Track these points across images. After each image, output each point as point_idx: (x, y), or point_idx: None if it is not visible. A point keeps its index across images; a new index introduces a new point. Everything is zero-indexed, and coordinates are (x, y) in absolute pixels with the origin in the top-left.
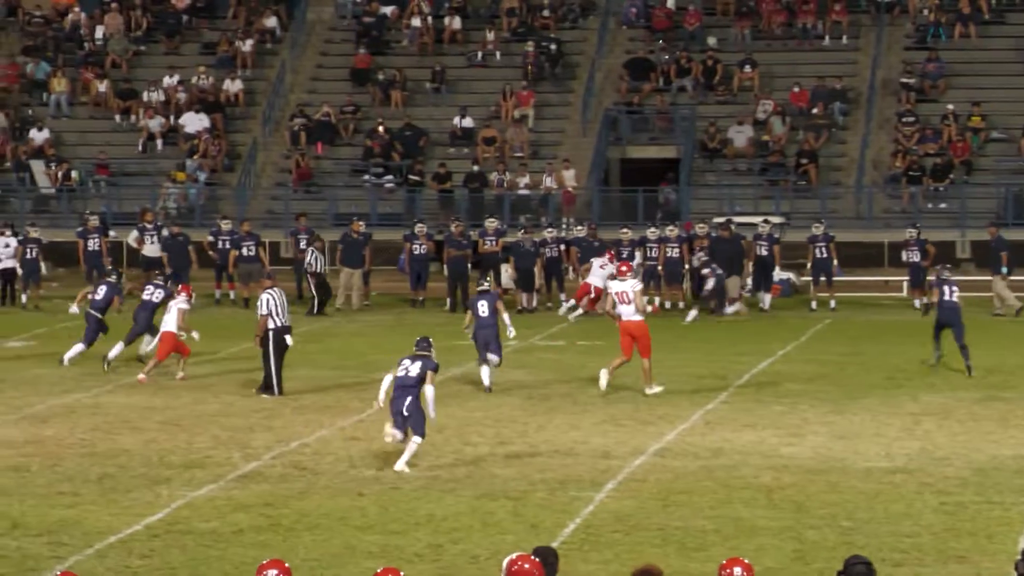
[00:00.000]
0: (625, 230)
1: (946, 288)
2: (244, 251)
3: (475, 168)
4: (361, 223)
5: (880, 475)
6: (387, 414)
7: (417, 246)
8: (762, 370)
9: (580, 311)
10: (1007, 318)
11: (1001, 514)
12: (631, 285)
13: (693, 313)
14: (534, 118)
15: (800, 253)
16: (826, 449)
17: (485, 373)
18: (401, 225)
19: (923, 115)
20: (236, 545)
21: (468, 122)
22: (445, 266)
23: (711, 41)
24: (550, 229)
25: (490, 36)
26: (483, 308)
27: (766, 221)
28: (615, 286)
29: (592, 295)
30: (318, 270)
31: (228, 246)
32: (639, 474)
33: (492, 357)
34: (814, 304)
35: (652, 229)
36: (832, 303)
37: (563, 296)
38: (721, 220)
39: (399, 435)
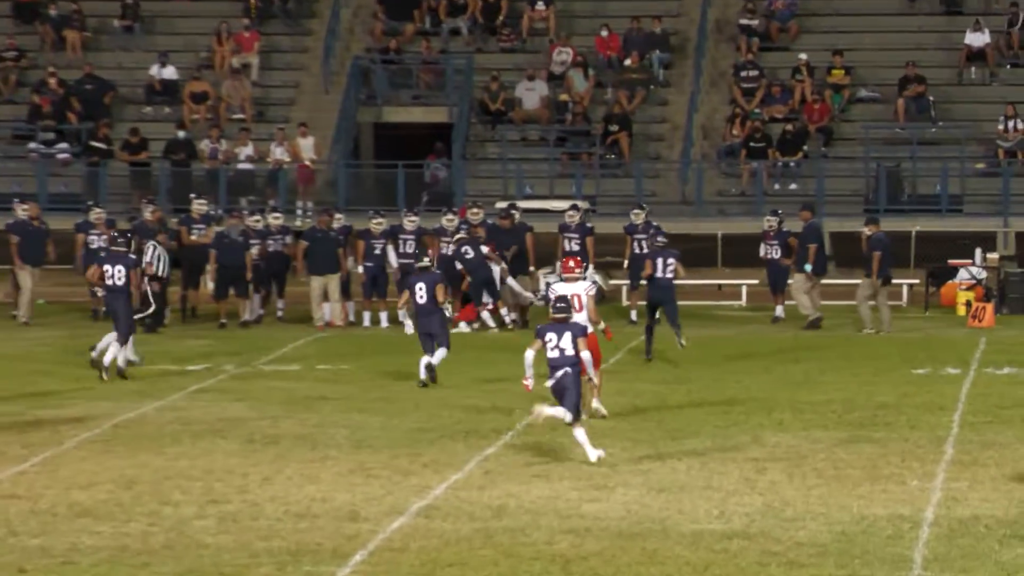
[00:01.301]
0: (379, 219)
1: (659, 261)
2: None
3: (180, 134)
4: (26, 206)
5: (712, 540)
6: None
7: (95, 238)
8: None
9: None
10: (868, 334)
11: None
12: (584, 287)
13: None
14: (259, 68)
15: (606, 248)
16: (642, 506)
17: (425, 362)
18: (80, 209)
19: (769, 67)
20: None
21: (170, 72)
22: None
23: None
24: (276, 214)
25: None
26: (421, 292)
27: (576, 207)
28: (561, 288)
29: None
30: (161, 273)
31: None
32: (397, 541)
33: (439, 352)
34: (634, 315)
35: (410, 217)
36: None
37: (281, 303)
38: (503, 205)
39: (547, 412)
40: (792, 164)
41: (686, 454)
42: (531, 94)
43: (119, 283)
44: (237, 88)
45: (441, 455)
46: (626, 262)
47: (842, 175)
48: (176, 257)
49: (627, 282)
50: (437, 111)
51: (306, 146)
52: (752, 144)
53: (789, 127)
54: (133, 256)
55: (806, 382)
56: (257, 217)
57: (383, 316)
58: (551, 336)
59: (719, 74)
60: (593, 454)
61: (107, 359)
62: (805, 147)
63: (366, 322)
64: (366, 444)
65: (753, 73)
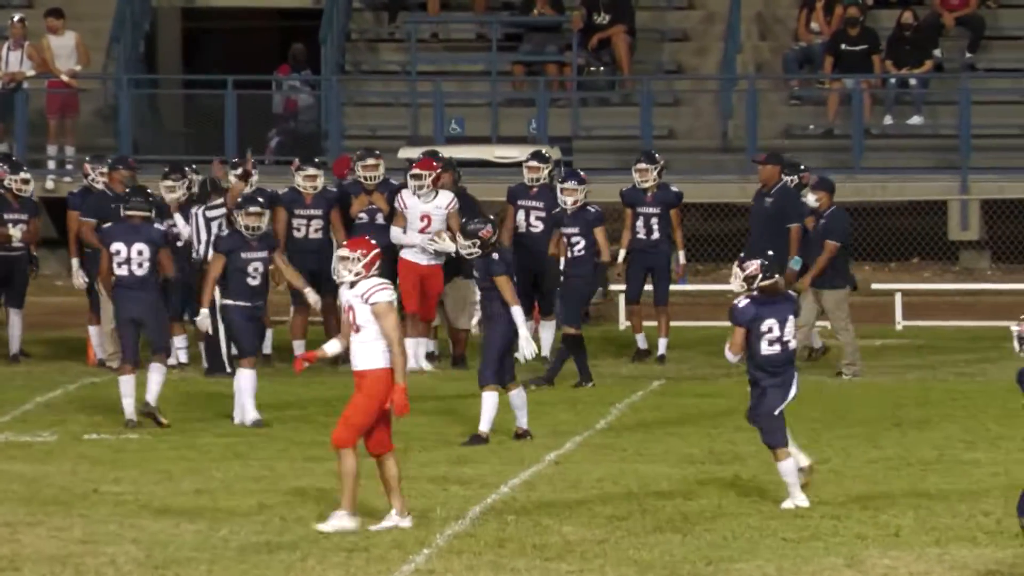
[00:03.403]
0: (174, 179)
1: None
2: None
3: None
4: None
5: None
6: None
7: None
8: (508, 497)
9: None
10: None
11: None
12: (373, 289)
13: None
14: None
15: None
16: None
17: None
18: None
19: None
20: None
21: None
22: None
23: None
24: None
25: None
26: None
27: (541, 156)
28: (344, 295)
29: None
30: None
31: None
32: None
33: (511, 394)
34: (641, 340)
35: (246, 175)
36: (661, 345)
37: (16, 323)
38: (409, 153)
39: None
40: (915, 82)
41: None
42: None
43: (138, 270)
44: None
45: None
46: (623, 252)
47: (1001, 100)
48: None
49: (624, 288)
50: None
51: (62, 49)
52: (846, 47)
53: (909, 17)
54: (160, 226)
55: (939, 462)
56: (25, 176)
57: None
58: (771, 323)
59: None
60: (803, 498)
61: (151, 394)
62: (937, 52)
63: (182, 356)
64: (171, 571)
65: None
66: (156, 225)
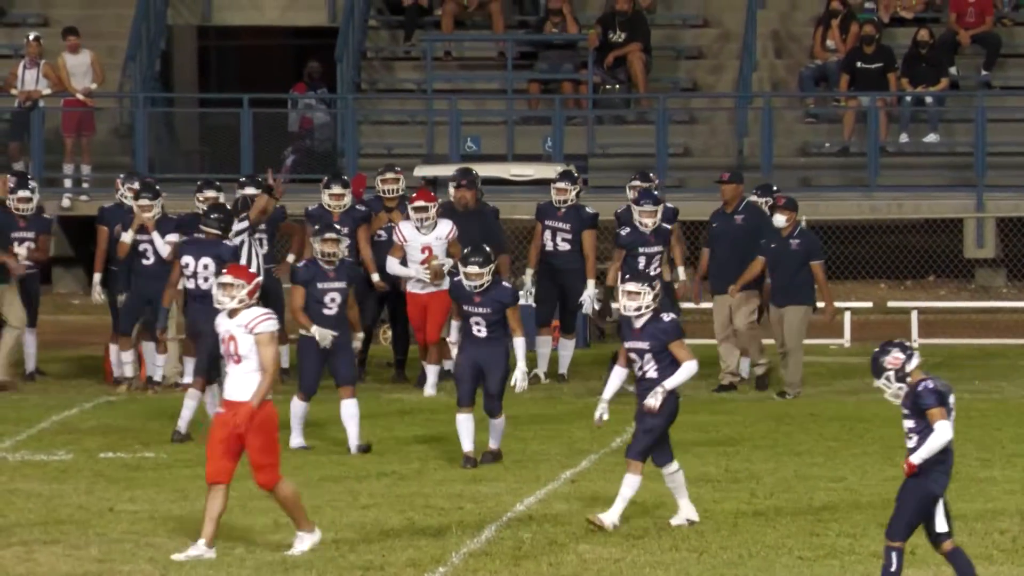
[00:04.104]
0: (211, 192)
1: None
2: None
3: None
4: None
5: None
6: None
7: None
8: (523, 515)
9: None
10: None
11: None
12: (259, 318)
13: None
14: None
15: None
16: None
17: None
18: None
19: None
20: None
21: None
22: None
23: None
24: (25, 192)
25: None
26: (479, 322)
27: (570, 176)
28: (223, 324)
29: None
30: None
31: None
32: None
33: (494, 421)
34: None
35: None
36: None
37: (31, 340)
38: (425, 172)
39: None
40: (931, 100)
41: None
42: None
43: (204, 284)
44: None
45: None
46: (612, 277)
47: (1017, 118)
48: None
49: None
50: (308, 7)
51: (77, 68)
52: (861, 65)
53: (925, 35)
54: (231, 242)
55: (955, 480)
56: (23, 194)
57: None
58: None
59: None
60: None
61: (184, 421)
62: (953, 70)
63: (157, 375)
64: None
65: None
66: (226, 242)
